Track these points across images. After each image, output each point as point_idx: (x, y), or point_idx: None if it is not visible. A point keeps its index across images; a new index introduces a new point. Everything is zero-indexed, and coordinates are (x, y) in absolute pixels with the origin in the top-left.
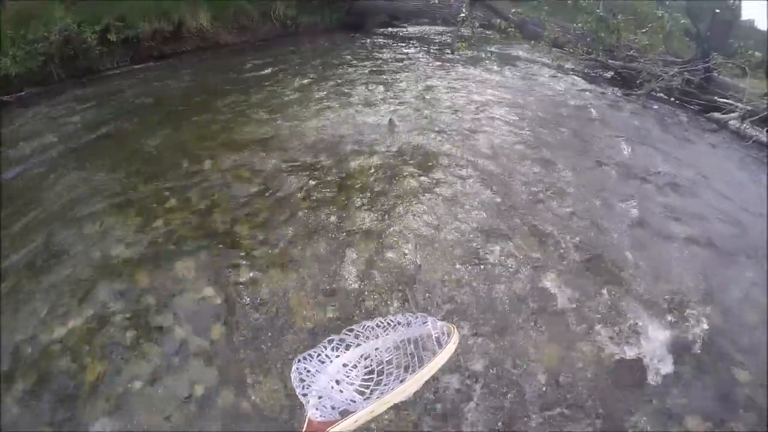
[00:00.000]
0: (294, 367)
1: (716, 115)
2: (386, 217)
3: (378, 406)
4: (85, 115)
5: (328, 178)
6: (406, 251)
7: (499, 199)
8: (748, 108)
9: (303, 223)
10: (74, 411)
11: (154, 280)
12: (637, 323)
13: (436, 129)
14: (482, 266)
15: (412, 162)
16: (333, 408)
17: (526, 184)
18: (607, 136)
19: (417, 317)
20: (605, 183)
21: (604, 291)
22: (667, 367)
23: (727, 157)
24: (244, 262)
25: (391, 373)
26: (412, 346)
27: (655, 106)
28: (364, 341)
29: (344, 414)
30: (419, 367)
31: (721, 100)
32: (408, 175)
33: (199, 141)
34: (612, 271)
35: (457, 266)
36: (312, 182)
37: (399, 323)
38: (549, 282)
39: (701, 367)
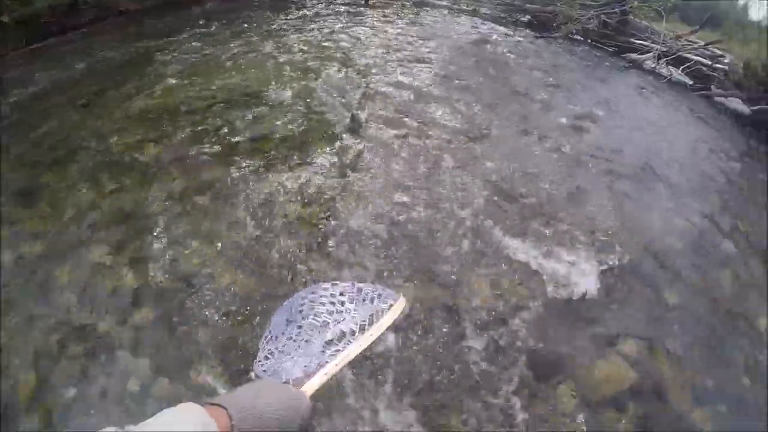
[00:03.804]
0: (255, 367)
1: (632, 55)
2: (304, 178)
3: (341, 359)
4: None
5: (240, 143)
6: (329, 210)
7: (420, 142)
8: (663, 49)
9: (218, 190)
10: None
11: (72, 274)
12: (565, 255)
13: (354, 80)
14: (410, 208)
15: (328, 117)
16: (301, 371)
17: (447, 126)
18: (525, 78)
19: (369, 287)
20: (525, 121)
21: (530, 225)
22: (598, 295)
23: (643, 95)
24: (161, 238)
25: (345, 335)
26: (365, 314)
27: (573, 48)
28: (323, 317)
29: (312, 373)
30: (369, 327)
31: (637, 41)
32: (323, 132)
33: (103, 118)
34: (536, 205)
35: (386, 218)
36: (223, 147)
37: (354, 294)
38: (474, 219)
39: (631, 293)
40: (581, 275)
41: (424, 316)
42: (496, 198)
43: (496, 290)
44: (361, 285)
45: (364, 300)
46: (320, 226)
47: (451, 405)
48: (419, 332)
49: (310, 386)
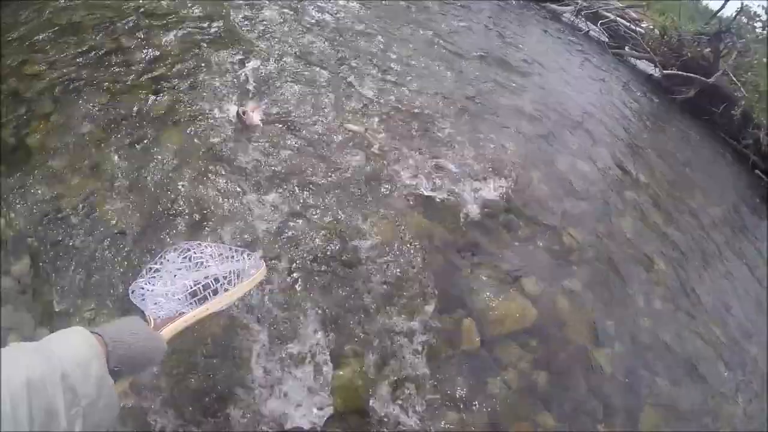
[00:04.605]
0: (133, 287)
1: (553, 6)
2: (198, 103)
3: (200, 311)
4: None
5: (132, 64)
6: (224, 140)
7: (329, 75)
8: (584, 5)
9: (103, 118)
10: None
11: None
12: (467, 191)
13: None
14: (310, 140)
15: (231, 39)
16: (165, 313)
17: (359, 57)
18: (442, 17)
19: (238, 251)
20: (439, 57)
21: (433, 160)
22: (501, 234)
23: (559, 44)
24: (41, 176)
25: (210, 288)
26: (229, 276)
27: None
28: (195, 267)
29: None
30: (232, 286)
31: None
32: (224, 54)
33: None
34: (441, 139)
35: (283, 149)
36: (113, 70)
37: (225, 256)
38: (375, 153)
39: (533, 231)
40: (483, 212)
41: (320, 253)
42: (400, 129)
43: (398, 225)
44: (233, 249)
45: (232, 261)
46: (215, 156)
47: (356, 338)
48: (316, 268)
49: (169, 330)
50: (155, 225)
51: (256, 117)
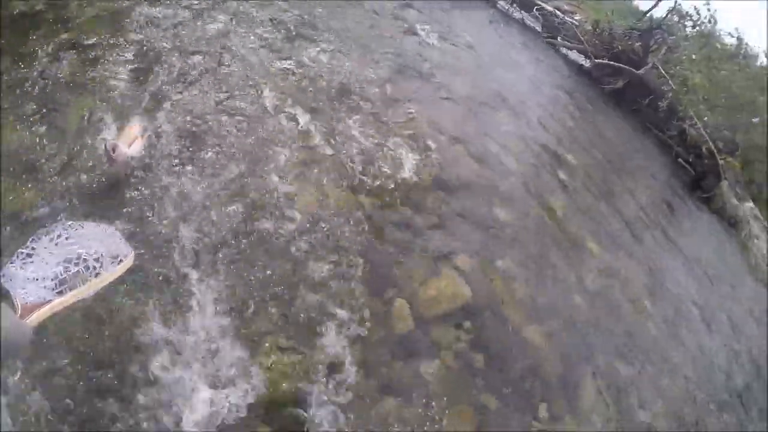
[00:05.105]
0: (4, 271)
1: None
2: (100, 76)
3: (68, 298)
4: None
5: (38, 28)
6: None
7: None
8: None
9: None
10: None
11: None
12: (397, 166)
13: None
14: (238, 109)
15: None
16: (33, 299)
17: (291, 29)
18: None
19: (112, 233)
20: (372, 37)
21: (359, 134)
22: (431, 211)
23: (494, 31)
24: None
25: (79, 276)
26: (100, 259)
27: None
28: (67, 251)
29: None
30: (104, 271)
31: None
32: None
33: None
34: (371, 114)
35: (218, 111)
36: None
37: (97, 237)
38: (300, 126)
39: (464, 209)
40: (413, 188)
41: (235, 233)
42: (327, 103)
43: (323, 201)
44: (107, 231)
45: (103, 243)
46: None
47: (279, 324)
48: (230, 250)
49: (36, 317)
50: (47, 203)
51: (134, 148)
